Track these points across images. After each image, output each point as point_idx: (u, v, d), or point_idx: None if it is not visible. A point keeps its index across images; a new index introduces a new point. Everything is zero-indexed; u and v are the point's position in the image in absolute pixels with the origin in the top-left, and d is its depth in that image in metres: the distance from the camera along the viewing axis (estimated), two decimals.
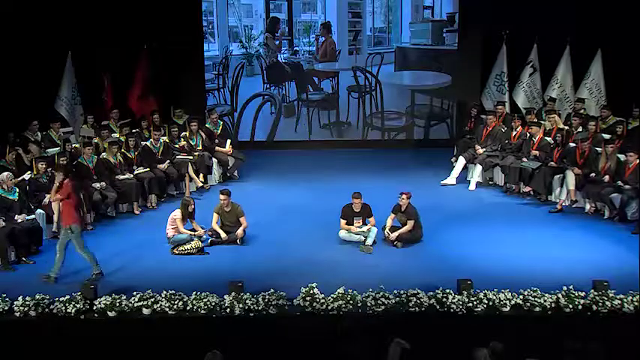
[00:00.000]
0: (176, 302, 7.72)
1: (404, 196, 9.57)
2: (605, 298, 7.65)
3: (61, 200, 8.60)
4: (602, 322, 7.56)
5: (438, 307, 7.66)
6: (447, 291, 7.76)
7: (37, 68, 12.65)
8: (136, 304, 7.71)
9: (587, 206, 10.86)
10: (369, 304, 7.66)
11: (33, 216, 9.62)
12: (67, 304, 7.69)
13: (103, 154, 11.33)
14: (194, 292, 7.85)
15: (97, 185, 10.72)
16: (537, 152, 11.62)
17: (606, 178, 10.58)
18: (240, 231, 9.72)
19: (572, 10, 13.25)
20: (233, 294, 7.77)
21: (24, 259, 9.20)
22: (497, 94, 13.90)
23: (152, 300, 7.74)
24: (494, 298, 7.70)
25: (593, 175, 10.76)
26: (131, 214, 11.16)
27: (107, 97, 13.45)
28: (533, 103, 13.55)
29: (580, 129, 11.91)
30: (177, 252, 9.41)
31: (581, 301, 7.66)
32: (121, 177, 11.16)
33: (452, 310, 7.63)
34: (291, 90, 15.58)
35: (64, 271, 8.67)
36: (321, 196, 11.73)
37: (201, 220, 9.87)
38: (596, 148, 11.09)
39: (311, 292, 7.73)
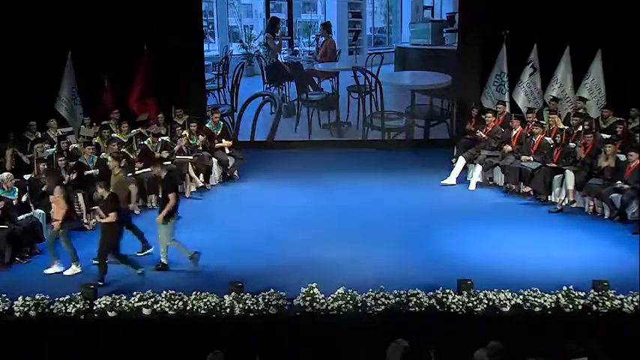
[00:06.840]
0: (176, 302, 7.72)
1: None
2: (605, 298, 7.64)
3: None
4: (602, 322, 7.56)
5: (438, 307, 7.65)
6: (447, 291, 7.75)
7: (37, 68, 12.64)
8: (136, 304, 7.70)
9: (587, 206, 10.87)
10: (369, 304, 7.65)
11: (31, 213, 9.63)
12: (67, 304, 7.69)
13: (103, 154, 11.33)
14: (194, 292, 7.84)
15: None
16: (529, 158, 11.64)
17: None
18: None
19: (572, 10, 13.23)
20: (233, 294, 7.77)
21: (17, 259, 9.17)
22: (497, 94, 13.87)
23: (152, 300, 7.73)
24: (494, 298, 7.69)
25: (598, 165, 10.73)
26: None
27: (107, 97, 13.44)
28: (534, 103, 13.52)
29: (580, 128, 11.91)
30: None
31: (581, 301, 7.65)
32: None
33: (452, 310, 7.62)
34: (291, 90, 15.57)
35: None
36: (321, 196, 11.72)
37: (202, 222, 9.87)
38: (603, 149, 11.06)
39: (311, 292, 7.71)
